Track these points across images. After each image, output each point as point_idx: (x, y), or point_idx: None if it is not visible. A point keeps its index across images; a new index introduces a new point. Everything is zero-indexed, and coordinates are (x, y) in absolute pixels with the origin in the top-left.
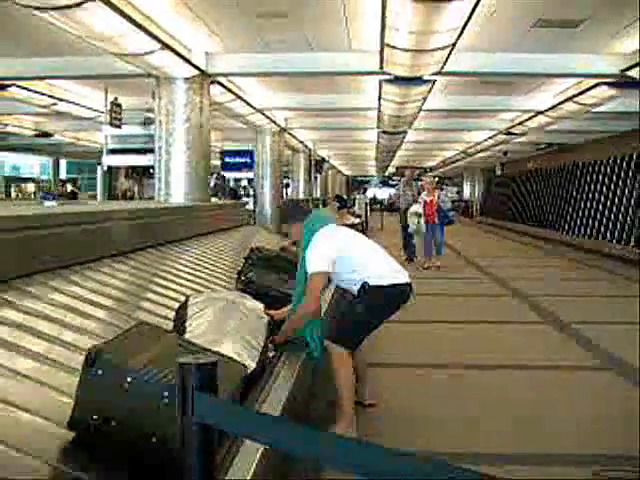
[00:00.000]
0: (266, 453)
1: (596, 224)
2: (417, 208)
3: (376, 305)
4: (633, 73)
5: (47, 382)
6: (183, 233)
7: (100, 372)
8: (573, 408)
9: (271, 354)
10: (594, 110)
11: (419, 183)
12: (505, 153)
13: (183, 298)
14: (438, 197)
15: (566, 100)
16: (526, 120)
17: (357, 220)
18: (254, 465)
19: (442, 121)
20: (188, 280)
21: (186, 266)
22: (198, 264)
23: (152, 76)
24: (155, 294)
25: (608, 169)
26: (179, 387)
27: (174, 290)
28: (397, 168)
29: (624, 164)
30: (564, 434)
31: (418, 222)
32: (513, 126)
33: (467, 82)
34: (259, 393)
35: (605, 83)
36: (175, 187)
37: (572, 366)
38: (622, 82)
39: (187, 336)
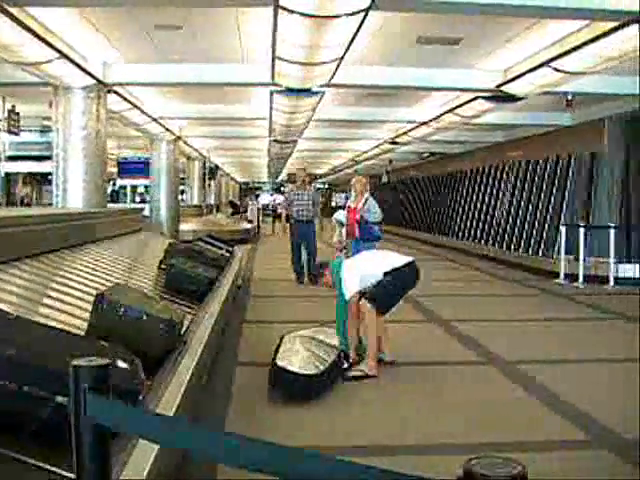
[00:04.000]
0: (162, 452)
1: (472, 228)
2: (340, 215)
3: (397, 278)
4: (507, 88)
5: None
6: (77, 239)
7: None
8: (457, 398)
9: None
10: (472, 122)
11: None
12: (390, 161)
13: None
14: (364, 203)
15: (447, 112)
16: (410, 130)
17: (249, 225)
18: (149, 464)
19: (331, 130)
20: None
21: (82, 271)
22: (94, 270)
23: (50, 85)
24: (53, 299)
25: (484, 177)
26: (72, 389)
27: (69, 295)
28: (289, 175)
29: (498, 172)
30: (443, 424)
31: (339, 233)
32: (398, 136)
33: (355, 94)
34: (155, 393)
35: (482, 97)
36: (72, 193)
37: (457, 362)
38: (497, 96)
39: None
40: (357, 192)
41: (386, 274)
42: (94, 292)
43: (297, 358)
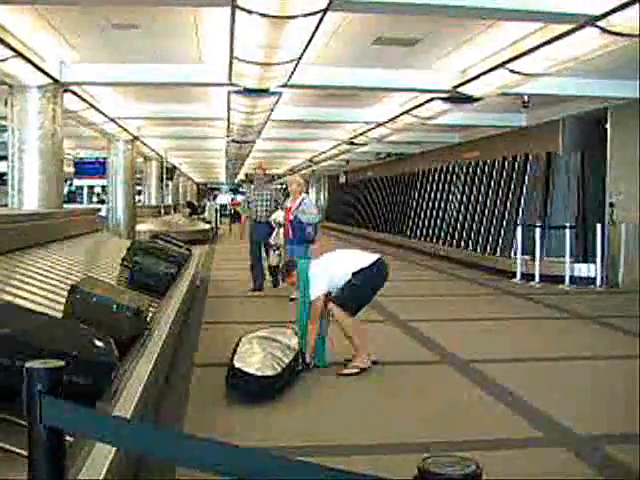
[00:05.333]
0: (118, 454)
1: (430, 228)
2: (278, 216)
3: (365, 279)
4: (464, 89)
5: None
6: (33, 240)
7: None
8: (413, 398)
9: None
10: (430, 122)
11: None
12: (347, 162)
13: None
14: (299, 203)
15: (404, 113)
16: (367, 131)
17: (207, 226)
18: (106, 466)
19: (289, 131)
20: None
21: (39, 272)
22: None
23: (5, 84)
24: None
25: (442, 177)
26: (26, 391)
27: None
28: (247, 175)
29: (456, 173)
30: (399, 424)
31: (277, 233)
32: (355, 136)
33: (313, 94)
34: (112, 394)
35: (439, 98)
36: (28, 194)
37: (414, 361)
38: (454, 97)
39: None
40: (293, 192)
41: (355, 274)
42: (53, 292)
43: (254, 359)
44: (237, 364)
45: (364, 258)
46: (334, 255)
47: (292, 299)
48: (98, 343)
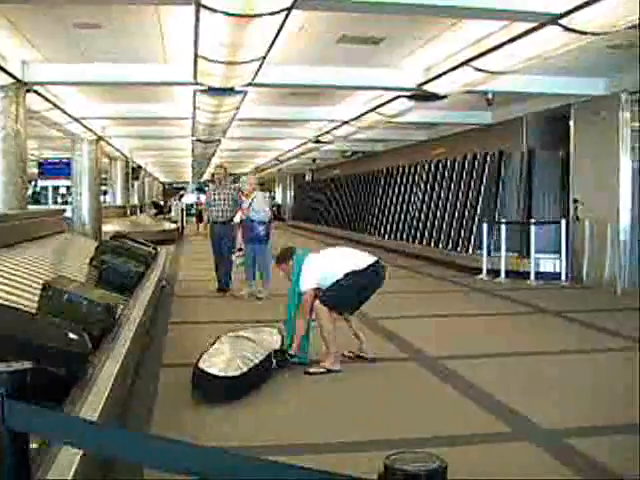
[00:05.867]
0: (85, 457)
1: (397, 226)
2: (236, 218)
3: (356, 280)
4: (429, 87)
5: None
6: None
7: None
8: (381, 394)
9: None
10: (395, 120)
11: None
12: (314, 160)
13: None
14: (252, 201)
15: (369, 111)
16: (333, 129)
17: (173, 226)
18: (73, 469)
19: (255, 130)
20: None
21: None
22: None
23: None
24: None
25: (408, 175)
26: None
27: None
28: (212, 174)
29: (422, 170)
30: (367, 421)
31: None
32: (321, 135)
33: (278, 93)
34: (79, 396)
35: (404, 96)
36: None
37: (382, 358)
38: (419, 95)
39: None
40: (247, 192)
41: (346, 275)
42: (23, 290)
43: (220, 359)
44: (201, 364)
45: (361, 259)
46: (332, 252)
47: (259, 298)
48: (71, 335)
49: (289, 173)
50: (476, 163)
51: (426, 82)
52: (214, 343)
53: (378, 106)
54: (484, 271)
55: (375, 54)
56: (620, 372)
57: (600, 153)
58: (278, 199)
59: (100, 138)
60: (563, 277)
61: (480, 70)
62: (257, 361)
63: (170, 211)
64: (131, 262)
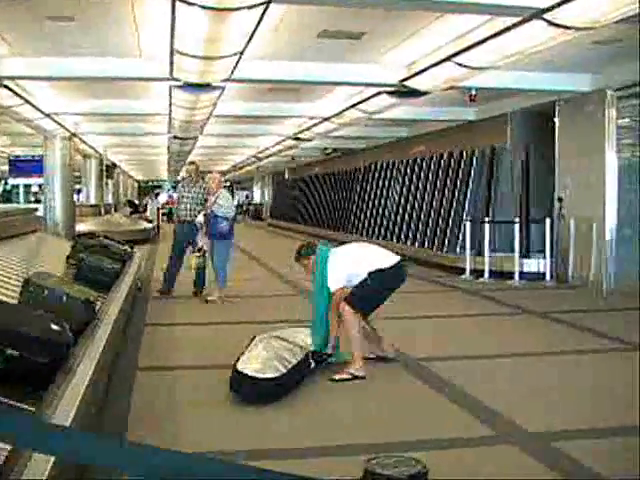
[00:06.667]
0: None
1: (378, 225)
2: (200, 216)
3: (381, 281)
4: (411, 83)
5: None
6: None
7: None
8: (362, 397)
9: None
10: (375, 117)
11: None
12: (293, 158)
13: None
14: (217, 196)
15: (350, 107)
16: (312, 126)
17: (149, 225)
18: (46, 473)
19: (233, 126)
20: None
21: None
22: None
23: None
24: None
25: (390, 173)
26: None
27: None
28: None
29: (404, 168)
30: (348, 424)
31: (203, 234)
32: (300, 132)
33: (256, 89)
34: (50, 403)
35: (386, 92)
36: None
37: (366, 359)
38: (401, 91)
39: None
40: (212, 190)
41: (371, 274)
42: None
43: (257, 360)
44: (239, 366)
45: (384, 258)
46: (354, 249)
47: (207, 301)
48: (54, 326)
49: (268, 171)
50: (459, 161)
51: (408, 78)
52: (249, 344)
53: (359, 102)
54: (467, 271)
55: (356, 49)
56: (607, 374)
57: (585, 150)
58: (257, 198)
59: (73, 135)
60: (548, 277)
61: (463, 66)
62: (295, 362)
63: (146, 210)
64: (108, 260)
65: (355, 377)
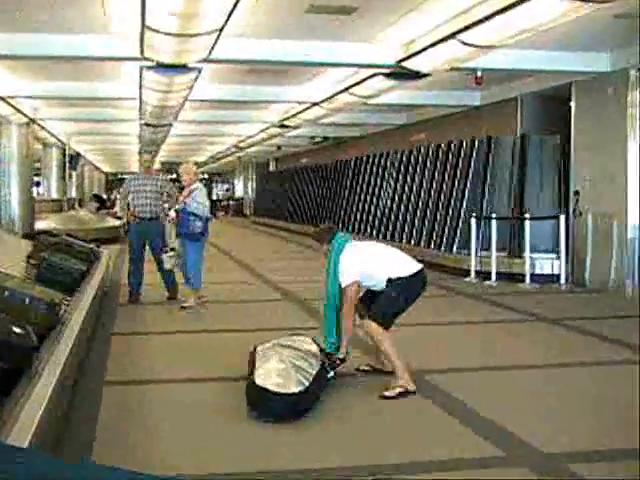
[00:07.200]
0: None
1: (372, 222)
2: (172, 212)
3: (402, 290)
4: (410, 64)
5: None
6: None
7: None
8: (360, 415)
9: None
10: (370, 102)
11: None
12: (279, 147)
13: None
14: (189, 193)
15: (342, 91)
16: (300, 112)
17: (118, 222)
18: None
19: (211, 113)
20: None
21: None
22: None
23: None
24: None
25: (386, 164)
26: None
27: None
28: (162, 163)
29: (402, 159)
30: (345, 444)
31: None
32: (287, 118)
33: (237, 71)
34: (10, 415)
35: (382, 74)
36: None
37: (360, 371)
38: (399, 73)
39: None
40: (185, 182)
41: (391, 282)
42: None
43: (276, 374)
44: (258, 381)
45: (406, 265)
46: (373, 248)
47: (183, 307)
48: (16, 330)
49: (251, 162)
50: (462, 150)
51: (406, 58)
52: (254, 356)
53: (352, 85)
54: (472, 273)
55: (349, 26)
56: (629, 389)
57: (605, 138)
58: (239, 191)
59: (32, 121)
60: (562, 279)
61: (467, 44)
62: (314, 373)
63: (114, 205)
64: (73, 260)
65: (407, 392)
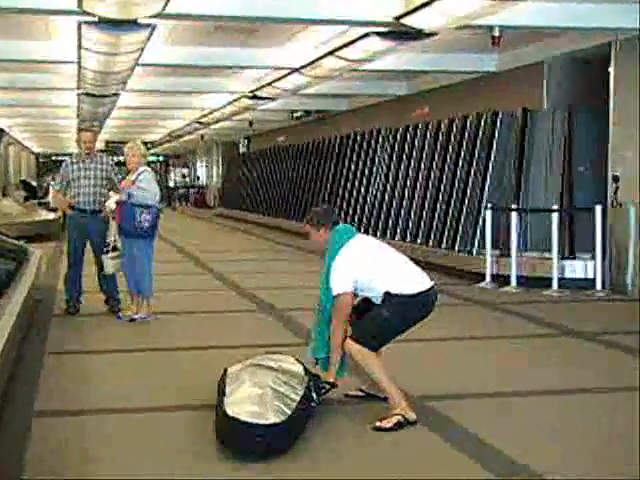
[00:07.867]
0: None
1: (366, 215)
2: (112, 202)
3: (400, 310)
4: (410, 20)
5: None
6: None
7: None
8: (357, 448)
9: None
10: (362, 68)
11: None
12: (251, 124)
13: None
14: (137, 176)
15: (327, 54)
16: (277, 80)
17: (52, 215)
18: None
19: (167, 80)
20: None
21: None
22: None
23: None
24: None
25: (381, 144)
26: None
27: None
28: (107, 143)
29: (400, 137)
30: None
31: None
32: (260, 87)
33: (199, 29)
34: None
35: (376, 32)
36: None
37: (353, 396)
38: (397, 32)
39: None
40: (131, 164)
41: (389, 297)
42: None
43: (250, 402)
44: (229, 411)
45: (412, 278)
46: (375, 251)
47: (132, 319)
48: None
49: (216, 142)
50: (476, 127)
51: (406, 14)
52: (223, 380)
53: (339, 48)
54: (487, 277)
55: None
56: None
57: None
58: (201, 177)
59: None
60: (598, 285)
61: None
62: (297, 398)
63: (47, 194)
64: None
65: (407, 422)
